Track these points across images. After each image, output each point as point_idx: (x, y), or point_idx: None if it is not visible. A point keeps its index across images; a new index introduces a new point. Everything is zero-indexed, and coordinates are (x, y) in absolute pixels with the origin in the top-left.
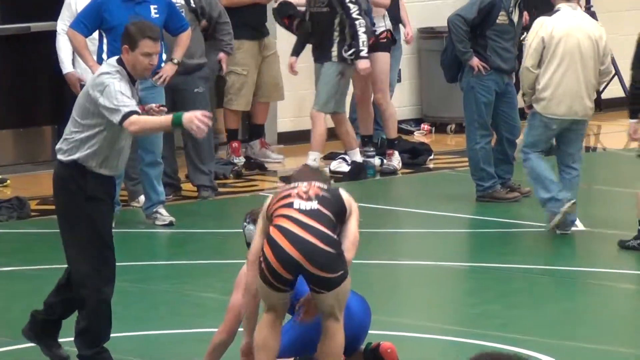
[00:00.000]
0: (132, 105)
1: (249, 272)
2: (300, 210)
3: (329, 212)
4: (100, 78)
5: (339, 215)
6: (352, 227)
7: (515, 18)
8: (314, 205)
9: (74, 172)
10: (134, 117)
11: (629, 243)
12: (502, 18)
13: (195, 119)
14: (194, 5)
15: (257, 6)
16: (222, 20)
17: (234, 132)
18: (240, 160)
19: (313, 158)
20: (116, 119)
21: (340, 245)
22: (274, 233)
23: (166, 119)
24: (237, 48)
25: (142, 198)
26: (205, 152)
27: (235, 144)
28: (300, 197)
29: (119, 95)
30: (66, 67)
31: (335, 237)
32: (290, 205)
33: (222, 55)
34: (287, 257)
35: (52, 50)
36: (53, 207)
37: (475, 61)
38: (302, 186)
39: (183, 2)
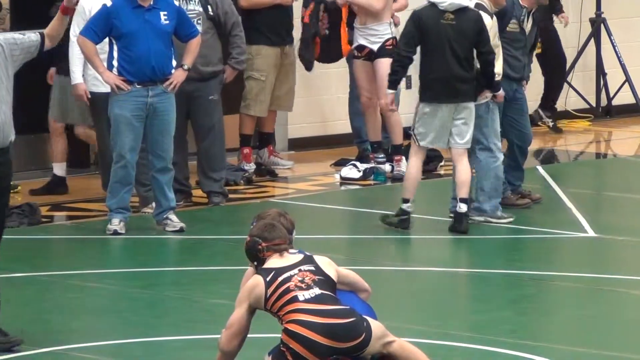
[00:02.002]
0: None
1: (223, 338)
2: (307, 301)
3: (328, 291)
4: None
5: (334, 288)
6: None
7: (528, 27)
8: (316, 291)
9: None
10: None
11: None
12: (512, 26)
13: None
14: (211, 14)
15: (279, 10)
16: (234, 33)
17: (247, 138)
18: (251, 167)
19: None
20: None
21: (353, 311)
22: (297, 329)
23: None
24: (257, 53)
25: (154, 204)
26: (217, 160)
27: (246, 150)
28: (301, 289)
29: None
30: (76, 77)
31: (345, 306)
32: (295, 299)
33: (227, 68)
34: (318, 346)
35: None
36: (64, 213)
37: (501, 94)
38: (296, 277)
39: (201, 10)
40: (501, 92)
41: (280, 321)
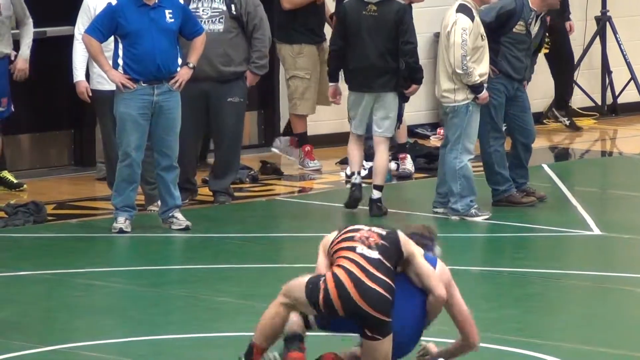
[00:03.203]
0: None
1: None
2: (363, 257)
3: (388, 263)
4: None
5: (397, 262)
6: (419, 264)
7: (535, 29)
8: (376, 254)
9: None
10: None
11: None
12: (519, 28)
13: None
14: (234, 12)
15: (314, 8)
16: (255, 35)
17: (304, 136)
18: (315, 165)
19: None
20: None
21: (393, 292)
22: (340, 273)
23: None
24: (298, 53)
25: (159, 202)
26: (228, 163)
27: (307, 148)
28: (363, 243)
29: None
30: (78, 75)
31: (393, 284)
32: (353, 249)
33: (248, 74)
34: (349, 299)
35: (69, 54)
36: (70, 211)
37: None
38: (364, 231)
39: (225, 8)
40: (484, 94)
41: (332, 262)
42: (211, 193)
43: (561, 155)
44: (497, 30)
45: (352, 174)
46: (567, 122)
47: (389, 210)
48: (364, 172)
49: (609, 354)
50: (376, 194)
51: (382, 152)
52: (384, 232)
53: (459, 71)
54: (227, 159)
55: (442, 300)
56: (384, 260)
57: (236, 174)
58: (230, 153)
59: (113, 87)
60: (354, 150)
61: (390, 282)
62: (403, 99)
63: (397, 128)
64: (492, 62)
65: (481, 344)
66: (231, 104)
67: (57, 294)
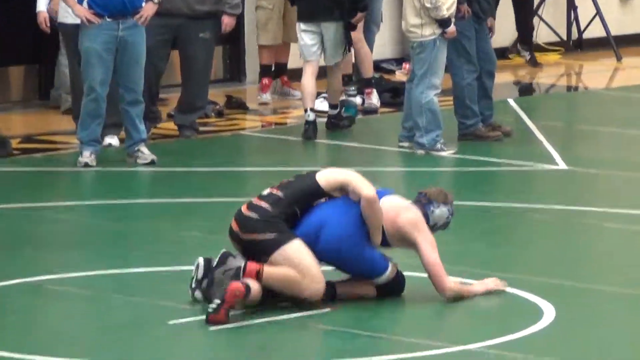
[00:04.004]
0: None
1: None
2: (258, 196)
3: (281, 193)
4: None
5: (303, 194)
6: (352, 185)
7: None
8: (272, 190)
9: None
10: None
11: None
12: None
13: None
14: None
15: None
16: None
17: (264, 68)
18: (266, 98)
19: None
20: None
21: (269, 214)
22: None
23: None
24: None
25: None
26: (196, 98)
27: (265, 81)
28: (271, 187)
29: None
30: (39, 5)
31: (267, 207)
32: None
33: (224, 18)
34: (230, 229)
35: None
36: (35, 145)
37: (464, 7)
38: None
39: None
40: (451, 29)
41: None
42: (176, 127)
43: (527, 90)
44: None
45: (305, 110)
46: (528, 57)
47: (356, 145)
48: (327, 106)
49: (574, 288)
50: (331, 111)
51: (333, 74)
52: (294, 178)
53: (428, 5)
54: (194, 95)
55: (368, 197)
56: (276, 192)
57: (203, 109)
58: (198, 89)
59: (78, 21)
60: (307, 83)
61: (270, 208)
62: (350, 27)
63: (344, 54)
64: (468, 2)
65: (450, 277)
66: (202, 40)
67: (21, 228)
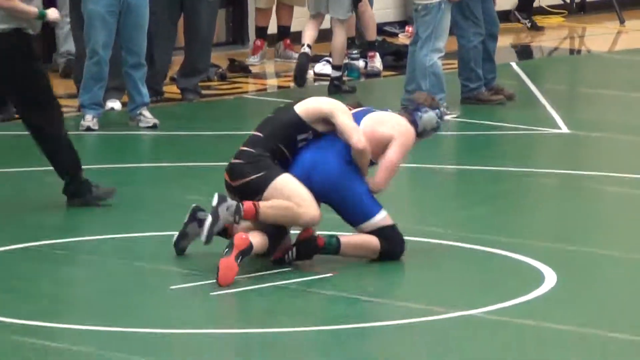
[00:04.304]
0: None
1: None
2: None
3: (261, 133)
4: None
5: (283, 128)
6: (338, 123)
7: None
8: (253, 132)
9: None
10: None
11: None
12: None
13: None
14: None
15: None
16: None
17: (259, 30)
18: (254, 60)
19: None
20: None
21: (253, 155)
22: None
23: (33, 11)
24: None
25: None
26: (199, 61)
27: (258, 42)
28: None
29: None
30: None
31: (249, 149)
32: None
33: None
34: (225, 182)
35: None
36: None
37: None
38: None
39: None
40: None
41: None
42: (179, 91)
43: (529, 53)
44: None
45: (303, 45)
46: (529, 24)
47: None
48: (329, 69)
49: (579, 252)
50: (334, 73)
51: (337, 34)
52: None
53: None
54: (197, 58)
55: (357, 148)
56: (255, 133)
57: (206, 72)
58: (202, 52)
59: None
60: (308, 29)
61: (253, 149)
62: None
63: (350, 12)
64: None
65: (451, 242)
66: (207, 2)
67: (24, 192)
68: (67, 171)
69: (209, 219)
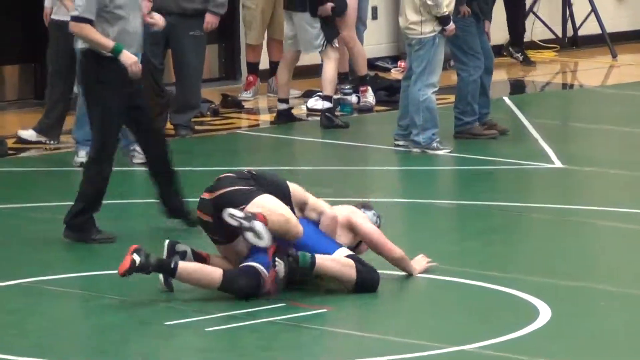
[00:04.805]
0: (87, 11)
1: None
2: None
3: (251, 172)
4: None
5: (271, 181)
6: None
7: None
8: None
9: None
10: (83, 24)
11: None
12: None
13: (135, 64)
14: None
15: None
16: None
17: (250, 66)
18: (246, 95)
19: None
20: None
21: (240, 175)
22: None
23: (108, 42)
24: None
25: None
26: (190, 97)
27: (250, 78)
28: None
29: None
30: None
31: (237, 174)
32: None
33: (207, 15)
34: (199, 220)
35: None
36: (29, 145)
37: (465, 8)
38: None
39: None
40: (451, 26)
41: None
42: (172, 127)
43: (522, 87)
44: None
45: (279, 100)
46: (521, 58)
47: (351, 143)
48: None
49: (569, 287)
50: (325, 105)
51: (326, 65)
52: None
53: (430, 2)
54: (189, 93)
55: (330, 216)
56: (237, 177)
57: (198, 108)
58: (192, 87)
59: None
60: (279, 73)
61: (240, 174)
62: (327, 19)
63: (324, 47)
64: (467, 3)
65: (441, 277)
66: (193, 37)
67: (17, 228)
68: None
69: (161, 278)
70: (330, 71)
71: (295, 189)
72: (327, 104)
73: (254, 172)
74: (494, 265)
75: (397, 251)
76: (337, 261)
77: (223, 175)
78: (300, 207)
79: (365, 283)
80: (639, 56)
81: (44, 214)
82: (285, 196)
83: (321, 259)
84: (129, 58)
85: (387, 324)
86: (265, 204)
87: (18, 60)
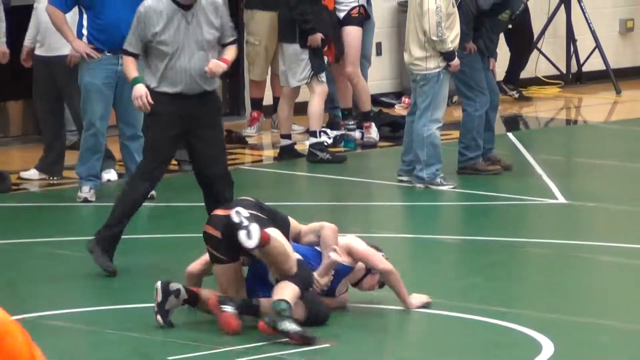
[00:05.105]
0: (127, 44)
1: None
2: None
3: (256, 210)
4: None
5: (275, 214)
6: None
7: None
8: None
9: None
10: (125, 56)
11: None
12: (504, 15)
13: (140, 98)
14: None
15: None
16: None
17: (254, 102)
18: (250, 131)
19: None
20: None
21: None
22: None
23: (131, 74)
24: (250, 18)
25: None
26: None
27: (254, 114)
28: None
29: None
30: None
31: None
32: None
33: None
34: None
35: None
36: (34, 180)
37: (471, 45)
38: None
39: None
40: (456, 62)
41: None
42: (175, 162)
43: (526, 123)
44: (487, 15)
45: (281, 136)
46: (517, 95)
47: (355, 179)
48: (328, 141)
49: (573, 322)
50: (310, 141)
51: (311, 100)
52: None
53: (435, 38)
54: None
55: (329, 228)
56: (254, 203)
57: None
58: None
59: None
60: (279, 109)
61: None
62: (314, 51)
63: (309, 79)
64: (473, 40)
65: (444, 312)
66: None
67: (20, 263)
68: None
69: (159, 318)
70: (315, 105)
71: (292, 221)
72: (312, 140)
73: (262, 204)
74: (497, 300)
75: (391, 269)
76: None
77: (240, 197)
78: (294, 238)
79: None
80: None
81: (46, 250)
82: (284, 224)
83: (265, 301)
84: (136, 90)
85: (391, 359)
86: (276, 235)
87: (21, 96)
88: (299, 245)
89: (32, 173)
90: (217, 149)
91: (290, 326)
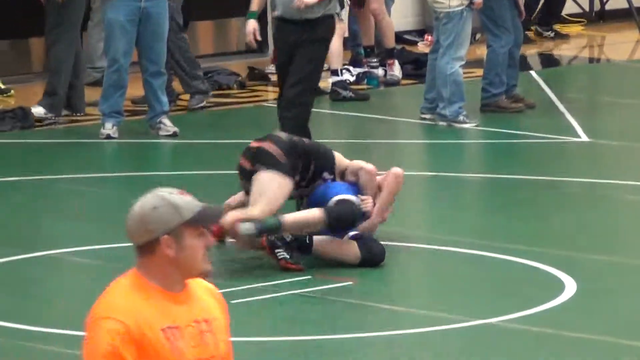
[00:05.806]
0: None
1: None
2: None
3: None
4: None
5: (317, 150)
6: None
7: None
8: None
9: None
10: None
11: None
12: None
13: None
14: None
15: None
16: None
17: None
18: (274, 69)
19: None
20: None
21: (288, 143)
22: None
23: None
24: None
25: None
26: (192, 64)
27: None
28: None
29: None
30: None
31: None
32: None
33: None
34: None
35: None
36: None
37: None
38: None
39: None
40: None
41: None
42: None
43: (549, 62)
44: None
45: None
46: (552, 35)
47: (377, 116)
48: (351, 78)
49: (596, 260)
50: (332, 79)
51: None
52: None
53: None
54: (187, 59)
55: (366, 170)
56: (284, 140)
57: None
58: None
59: None
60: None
61: (266, 145)
62: None
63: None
64: None
65: (468, 250)
66: None
67: (43, 200)
68: None
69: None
70: (334, 44)
71: (338, 157)
72: (334, 78)
73: (299, 142)
74: (519, 238)
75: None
76: (336, 242)
77: (276, 133)
78: (340, 174)
79: (371, 256)
80: None
81: (69, 186)
82: (332, 165)
83: (319, 240)
84: (247, 25)
85: (413, 297)
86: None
87: (43, 33)
88: (342, 184)
89: (39, 110)
90: (293, 74)
91: (281, 254)
